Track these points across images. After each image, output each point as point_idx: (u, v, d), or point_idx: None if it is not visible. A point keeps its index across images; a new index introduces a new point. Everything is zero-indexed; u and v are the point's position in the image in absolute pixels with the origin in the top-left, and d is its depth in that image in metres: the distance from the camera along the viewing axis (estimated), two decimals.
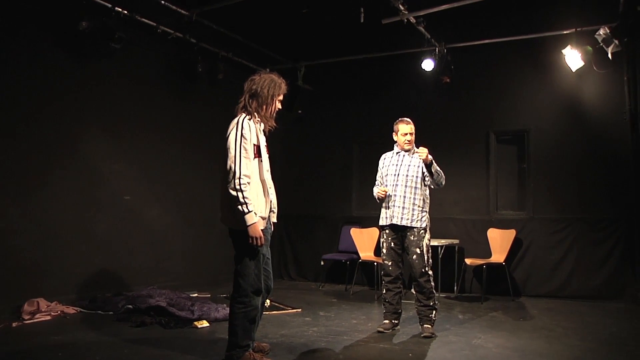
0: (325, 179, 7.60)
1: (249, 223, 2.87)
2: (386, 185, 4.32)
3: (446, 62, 6.32)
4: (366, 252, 6.73)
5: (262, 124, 3.03)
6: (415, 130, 4.36)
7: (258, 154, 2.94)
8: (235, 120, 2.94)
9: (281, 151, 7.65)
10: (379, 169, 4.42)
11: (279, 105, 3.04)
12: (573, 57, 5.73)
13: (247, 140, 2.88)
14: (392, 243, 4.29)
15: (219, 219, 3.04)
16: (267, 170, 3.04)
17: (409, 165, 4.29)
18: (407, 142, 4.27)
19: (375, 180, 4.41)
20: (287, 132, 7.38)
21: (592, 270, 6.11)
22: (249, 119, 2.93)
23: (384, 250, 4.31)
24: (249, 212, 2.83)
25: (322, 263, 6.89)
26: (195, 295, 5.85)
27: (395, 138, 4.36)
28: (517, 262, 6.42)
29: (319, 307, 5.45)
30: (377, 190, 4.35)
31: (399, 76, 7.15)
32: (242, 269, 2.98)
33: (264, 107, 2.98)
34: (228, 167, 2.85)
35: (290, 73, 7.08)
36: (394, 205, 4.26)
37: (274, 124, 3.01)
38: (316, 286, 7.03)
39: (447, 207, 6.63)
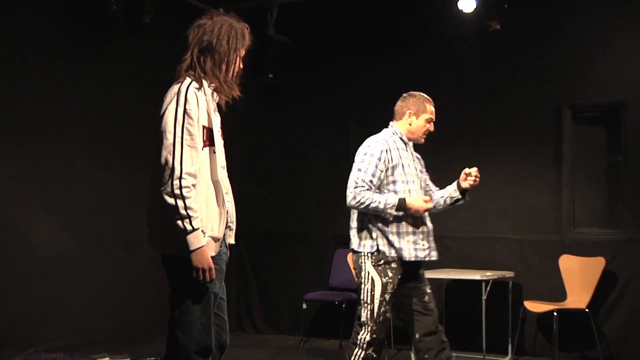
0: (307, 178, 7.50)
1: (193, 247, 2.78)
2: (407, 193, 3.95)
3: None
4: None
5: (217, 95, 2.97)
6: (443, 106, 4.32)
7: (209, 140, 2.88)
8: (176, 88, 2.84)
9: (242, 136, 7.75)
10: (377, 162, 3.91)
11: (240, 65, 3.02)
12: None
13: (192, 120, 2.80)
14: (396, 284, 3.84)
15: (147, 240, 3.02)
16: (223, 167, 3.00)
17: (419, 169, 4.11)
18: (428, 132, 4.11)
19: (364, 180, 3.89)
20: (250, 108, 7.10)
21: None
22: (197, 88, 2.84)
23: (387, 298, 3.80)
24: (194, 229, 2.76)
25: (304, 306, 6.66)
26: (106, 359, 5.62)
27: (408, 120, 4.07)
28: (609, 308, 6.01)
29: None
30: (419, 202, 3.82)
31: (420, 22, 6.91)
32: (181, 316, 2.90)
33: (223, 67, 2.92)
34: (163, 160, 2.76)
35: (255, 16, 6.53)
36: (428, 230, 3.93)
37: (238, 93, 2.98)
38: (295, 341, 6.81)
39: (493, 221, 6.35)
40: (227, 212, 3.02)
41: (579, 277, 5.90)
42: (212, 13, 2.99)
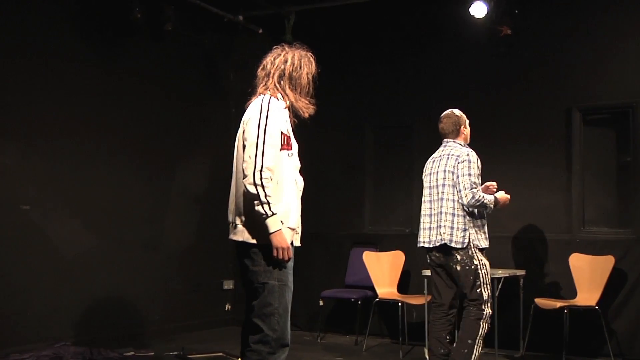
0: (324, 179, 7.44)
1: (272, 229, 3.02)
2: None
3: (506, 4, 6.20)
4: (386, 288, 6.51)
5: (291, 113, 3.30)
6: (455, 109, 4.91)
7: (287, 145, 3.18)
8: (259, 100, 3.18)
9: None
10: (477, 166, 4.66)
11: (312, 87, 3.34)
12: None
13: (274, 125, 3.12)
14: None
15: (228, 237, 3.25)
16: (297, 168, 3.29)
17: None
18: None
19: (475, 183, 4.61)
20: None
21: None
22: (277, 100, 3.20)
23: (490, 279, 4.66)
24: (273, 214, 3.01)
25: (320, 303, 6.75)
26: (131, 354, 5.72)
27: (464, 132, 4.81)
28: (618, 306, 6.03)
29: None
30: (504, 197, 4.67)
31: (434, 28, 7.00)
32: (263, 304, 3.10)
33: (298, 89, 3.27)
34: (247, 156, 3.06)
35: (273, 22, 6.89)
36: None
37: (312, 112, 3.31)
38: (312, 337, 6.86)
39: (506, 221, 6.29)
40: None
41: (588, 275, 5.94)
42: (283, 45, 3.40)
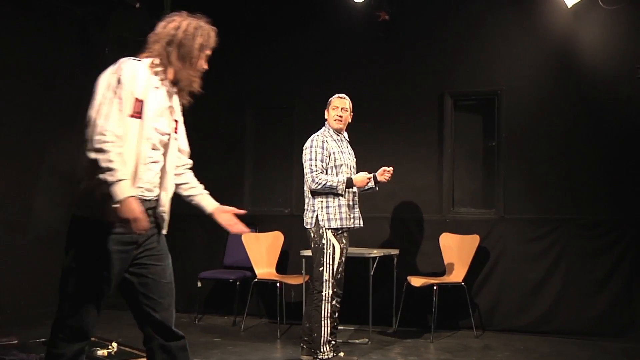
0: (203, 158, 7.18)
1: (120, 197, 2.67)
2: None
3: None
4: (264, 268, 6.49)
5: (176, 88, 3.03)
6: (332, 92, 5.02)
7: (139, 113, 2.86)
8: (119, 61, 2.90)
9: None
10: (319, 150, 4.86)
11: (204, 65, 3.11)
12: None
13: (124, 87, 2.81)
14: (346, 250, 4.94)
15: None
16: (148, 140, 2.89)
17: (350, 155, 5.02)
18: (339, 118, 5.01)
19: (314, 166, 4.83)
20: None
21: (587, 295, 6.02)
22: (148, 67, 2.93)
23: (342, 259, 4.85)
24: (120, 181, 2.68)
25: (198, 284, 6.64)
26: None
27: (327, 115, 5.00)
28: (481, 281, 6.30)
29: (194, 352, 5.00)
30: (360, 178, 4.80)
31: (315, 11, 6.96)
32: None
33: (190, 62, 3.02)
34: (87, 119, 2.78)
35: None
36: (356, 204, 4.93)
37: (198, 88, 3.07)
38: (189, 319, 6.78)
39: (380, 201, 6.42)
40: (158, 197, 2.97)
41: (456, 253, 6.15)
42: (180, 13, 3.09)
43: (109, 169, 2.69)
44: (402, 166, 6.44)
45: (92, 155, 2.74)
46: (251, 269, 6.42)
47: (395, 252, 6.12)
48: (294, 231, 6.26)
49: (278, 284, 6.15)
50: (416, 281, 5.86)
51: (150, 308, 2.89)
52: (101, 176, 2.70)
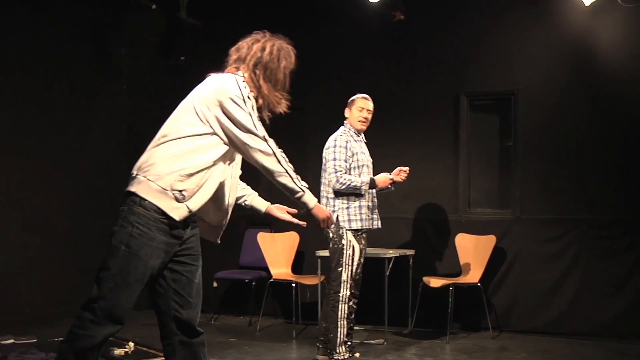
0: None
1: (312, 203, 3.23)
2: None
3: None
4: (280, 268, 6.48)
5: (262, 107, 3.07)
6: (348, 92, 4.99)
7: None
8: (232, 78, 2.96)
9: (152, 117, 7.26)
10: (343, 150, 4.82)
11: (288, 86, 3.15)
12: None
13: (248, 104, 2.92)
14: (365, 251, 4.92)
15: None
16: (234, 165, 3.20)
17: (368, 156, 4.99)
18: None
19: (339, 166, 4.79)
20: (161, 89, 6.95)
21: (603, 296, 5.97)
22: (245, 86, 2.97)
23: (361, 260, 4.81)
24: (307, 189, 3.20)
25: (214, 284, 6.62)
26: (11, 342, 5.43)
27: (347, 115, 4.94)
28: (497, 282, 6.29)
29: (210, 352, 4.86)
30: (383, 178, 4.79)
31: (326, 11, 6.92)
32: (101, 266, 2.86)
33: (275, 83, 3.07)
34: (247, 140, 3.02)
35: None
36: (375, 205, 4.89)
37: (284, 109, 3.10)
38: (205, 319, 6.69)
39: (396, 202, 6.38)
40: (225, 208, 3.22)
41: (472, 253, 6.10)
42: (264, 33, 3.22)
43: (293, 181, 3.14)
44: (418, 166, 6.36)
45: (270, 165, 3.17)
46: (267, 269, 6.41)
47: (411, 252, 6.11)
48: (310, 231, 6.25)
49: (294, 284, 6.13)
50: (435, 282, 5.85)
51: (179, 305, 2.87)
52: (289, 187, 3.15)
